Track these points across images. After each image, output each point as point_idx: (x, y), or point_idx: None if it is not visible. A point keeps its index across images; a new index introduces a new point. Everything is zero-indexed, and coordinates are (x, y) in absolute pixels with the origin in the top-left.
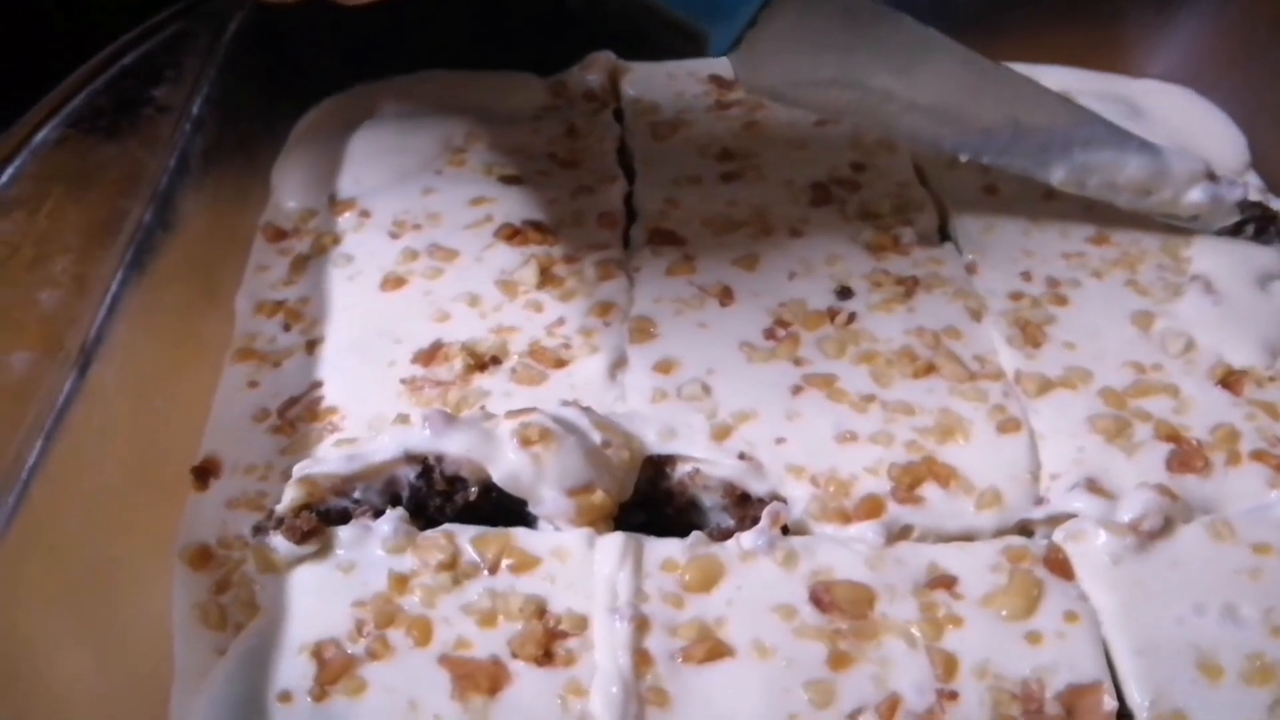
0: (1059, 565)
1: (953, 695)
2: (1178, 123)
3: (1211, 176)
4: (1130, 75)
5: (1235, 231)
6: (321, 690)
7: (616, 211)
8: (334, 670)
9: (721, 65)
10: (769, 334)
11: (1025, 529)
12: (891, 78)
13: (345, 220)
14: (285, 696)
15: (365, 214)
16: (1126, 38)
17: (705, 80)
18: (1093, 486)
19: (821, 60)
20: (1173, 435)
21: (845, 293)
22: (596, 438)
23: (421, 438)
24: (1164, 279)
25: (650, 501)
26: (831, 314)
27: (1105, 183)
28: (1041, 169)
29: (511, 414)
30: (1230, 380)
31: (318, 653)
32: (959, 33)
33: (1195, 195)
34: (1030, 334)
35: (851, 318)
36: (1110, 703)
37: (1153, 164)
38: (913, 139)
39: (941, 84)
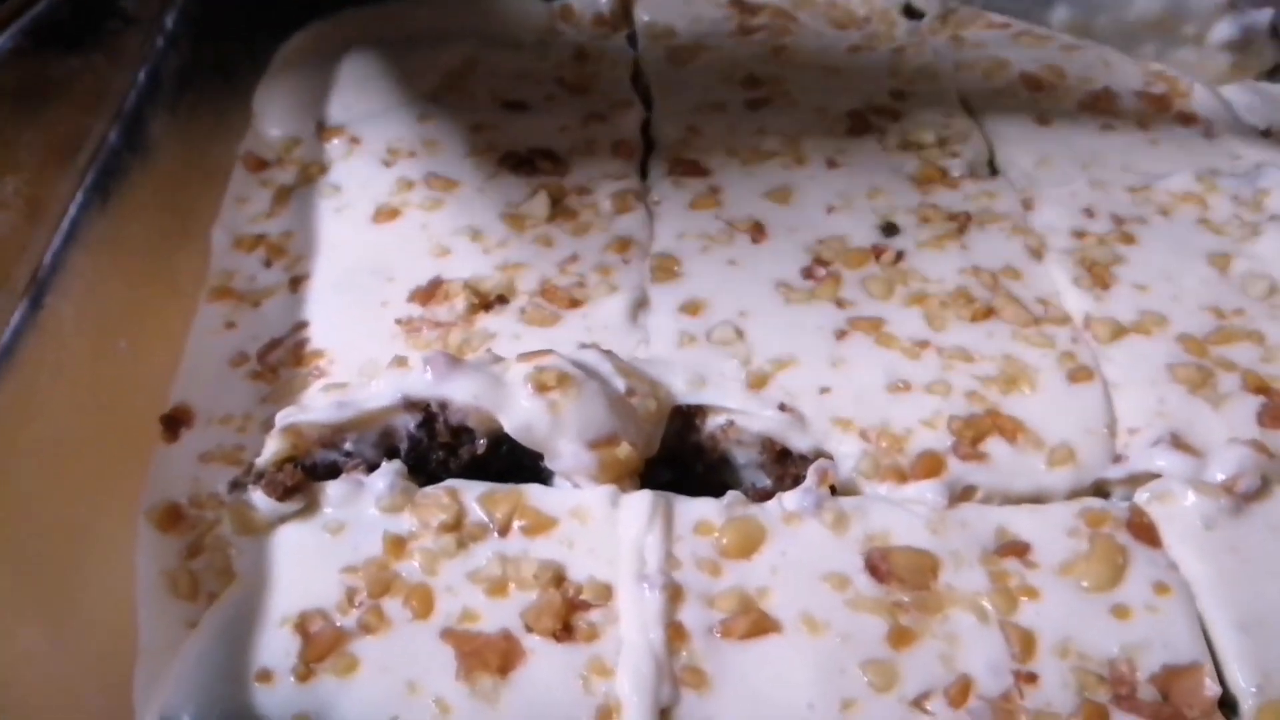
0: (1144, 530)
1: (1031, 677)
2: None
3: (1234, 5)
4: None
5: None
6: (306, 669)
7: (633, 139)
8: (321, 646)
9: None
10: (807, 273)
11: (1100, 489)
12: None
13: (333, 148)
14: (265, 676)
15: (355, 140)
16: None
17: (725, 4)
18: (1178, 442)
19: None
20: (1261, 387)
21: (890, 229)
22: (620, 384)
23: (422, 382)
24: (1239, 217)
25: (677, 457)
26: (876, 251)
27: (1115, 21)
28: (1040, 7)
29: (524, 356)
30: None
31: (302, 626)
32: None
33: (1223, 31)
34: (1098, 274)
35: (899, 256)
36: (1213, 687)
37: None
38: None
39: None
